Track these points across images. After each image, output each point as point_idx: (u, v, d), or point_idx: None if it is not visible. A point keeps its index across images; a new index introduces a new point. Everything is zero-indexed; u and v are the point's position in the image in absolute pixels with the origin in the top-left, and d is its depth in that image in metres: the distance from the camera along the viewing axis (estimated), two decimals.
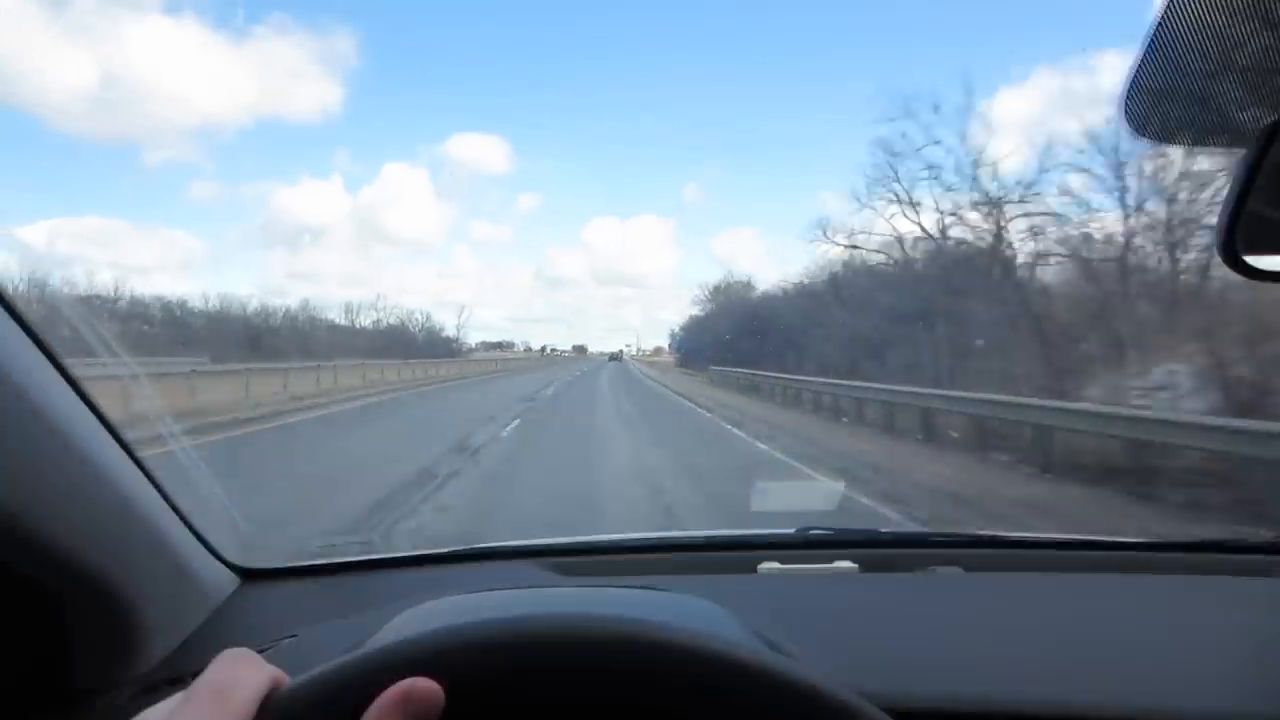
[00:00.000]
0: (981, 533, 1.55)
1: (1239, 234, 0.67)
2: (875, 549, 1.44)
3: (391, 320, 49.80)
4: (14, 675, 0.88)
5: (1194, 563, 1.42)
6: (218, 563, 1.15)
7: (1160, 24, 0.62)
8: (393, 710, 0.39)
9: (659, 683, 0.45)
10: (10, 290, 0.74)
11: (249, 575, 1.23)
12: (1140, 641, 1.02)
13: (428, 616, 0.94)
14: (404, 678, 0.40)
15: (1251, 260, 0.69)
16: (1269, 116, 0.63)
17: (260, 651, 1.00)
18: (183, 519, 1.04)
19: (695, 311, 54.85)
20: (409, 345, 45.68)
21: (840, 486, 4.98)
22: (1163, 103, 0.68)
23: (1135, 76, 0.68)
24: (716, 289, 51.58)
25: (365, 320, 47.46)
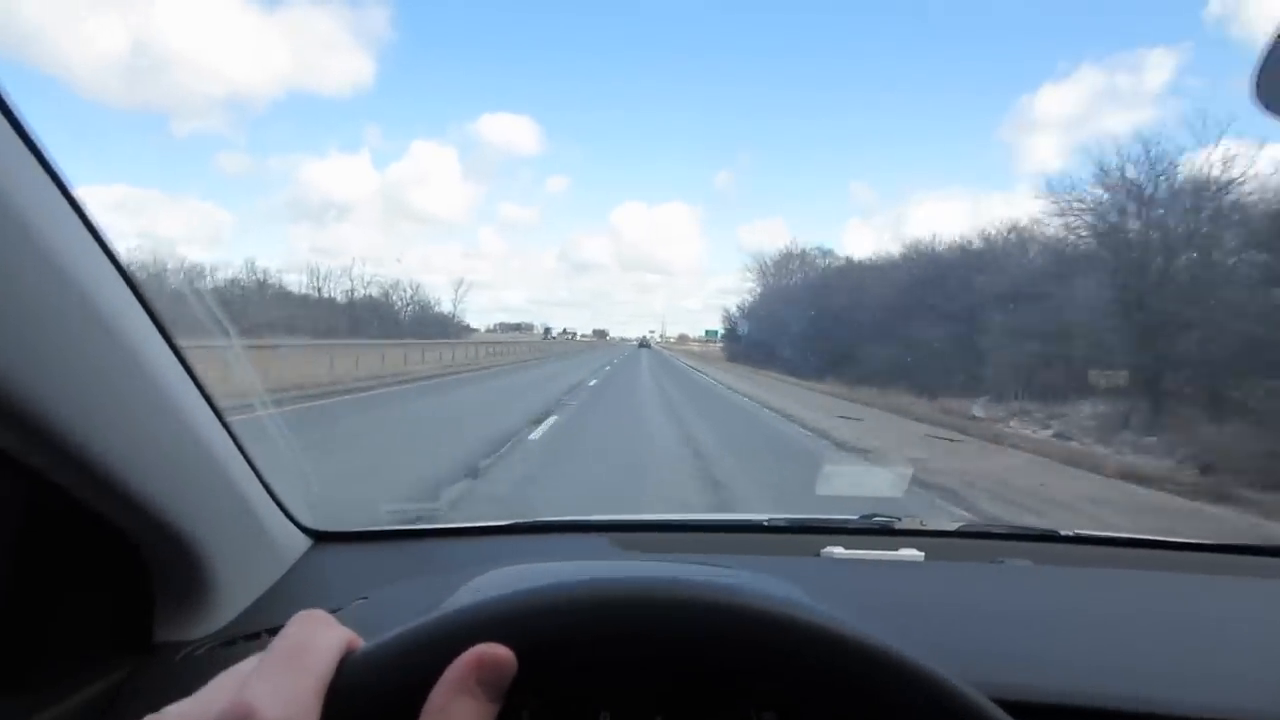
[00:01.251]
0: (1051, 529, 1.51)
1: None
2: (941, 538, 1.42)
3: (372, 292, 41.79)
4: (101, 625, 0.91)
5: (1251, 565, 1.42)
6: (291, 525, 1.18)
7: None
8: (467, 675, 0.39)
9: (759, 660, 0.45)
10: (124, 258, 0.76)
11: (320, 538, 1.26)
12: (1207, 641, 1.01)
13: (501, 581, 0.95)
14: (478, 642, 0.40)
15: None
16: None
17: (332, 612, 1.03)
18: (261, 481, 1.07)
19: (750, 290, 47.49)
20: (389, 322, 39.10)
21: (908, 472, 4.88)
22: None
23: (1269, 56, 0.64)
24: (787, 257, 42.85)
25: (335, 290, 40.57)
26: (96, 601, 0.90)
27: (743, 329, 47.35)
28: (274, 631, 0.98)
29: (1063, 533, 1.47)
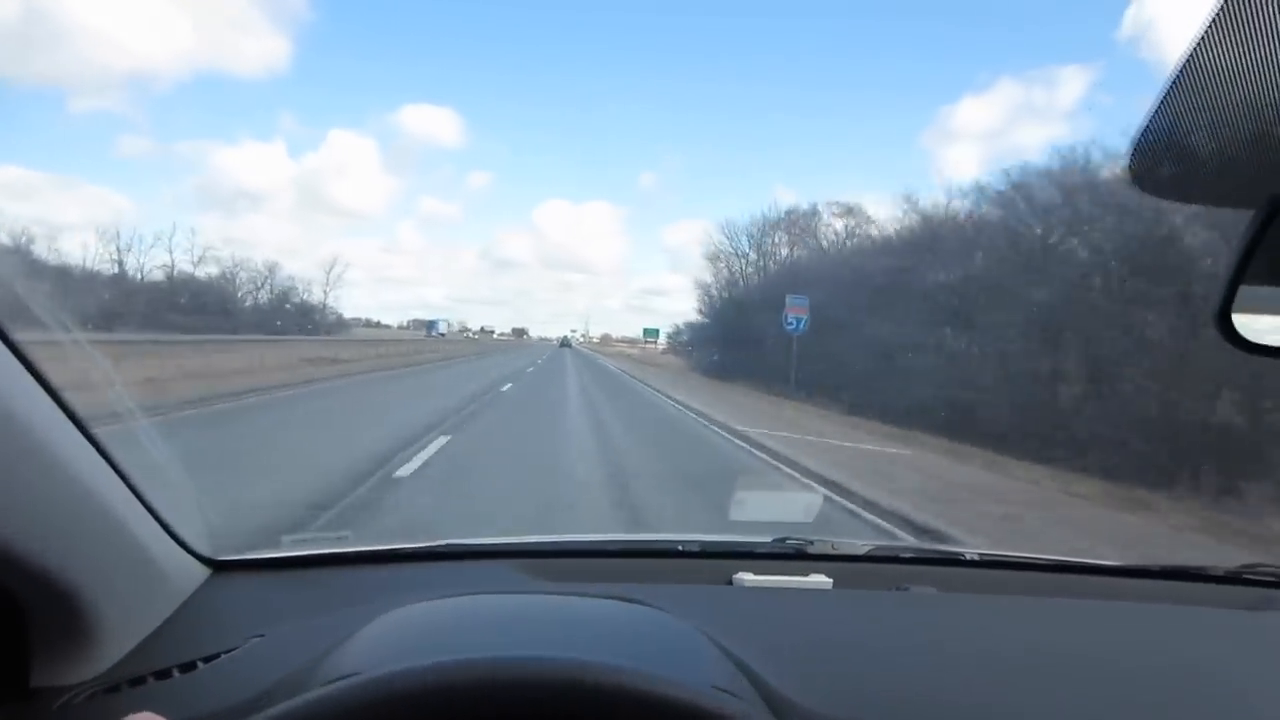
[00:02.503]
0: (957, 550, 1.56)
1: (1236, 307, 0.68)
2: (850, 563, 1.45)
3: (210, 271, 32.40)
4: None
5: (1170, 591, 1.44)
6: (184, 554, 1.14)
7: (1176, 81, 0.62)
8: None
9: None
10: None
11: (219, 567, 1.21)
12: (1106, 672, 1.04)
13: (400, 626, 0.93)
14: None
15: (1247, 335, 0.70)
16: (1274, 189, 0.64)
17: (227, 652, 1.00)
18: (145, 505, 1.02)
19: (716, 271, 39.32)
20: (216, 311, 30.01)
21: (819, 499, 5.00)
22: (1172, 161, 0.69)
23: (1144, 133, 0.68)
24: (776, 225, 35.04)
25: (148, 265, 31.83)
26: None
27: (704, 329, 39.03)
28: (162, 675, 0.95)
29: (968, 555, 1.51)
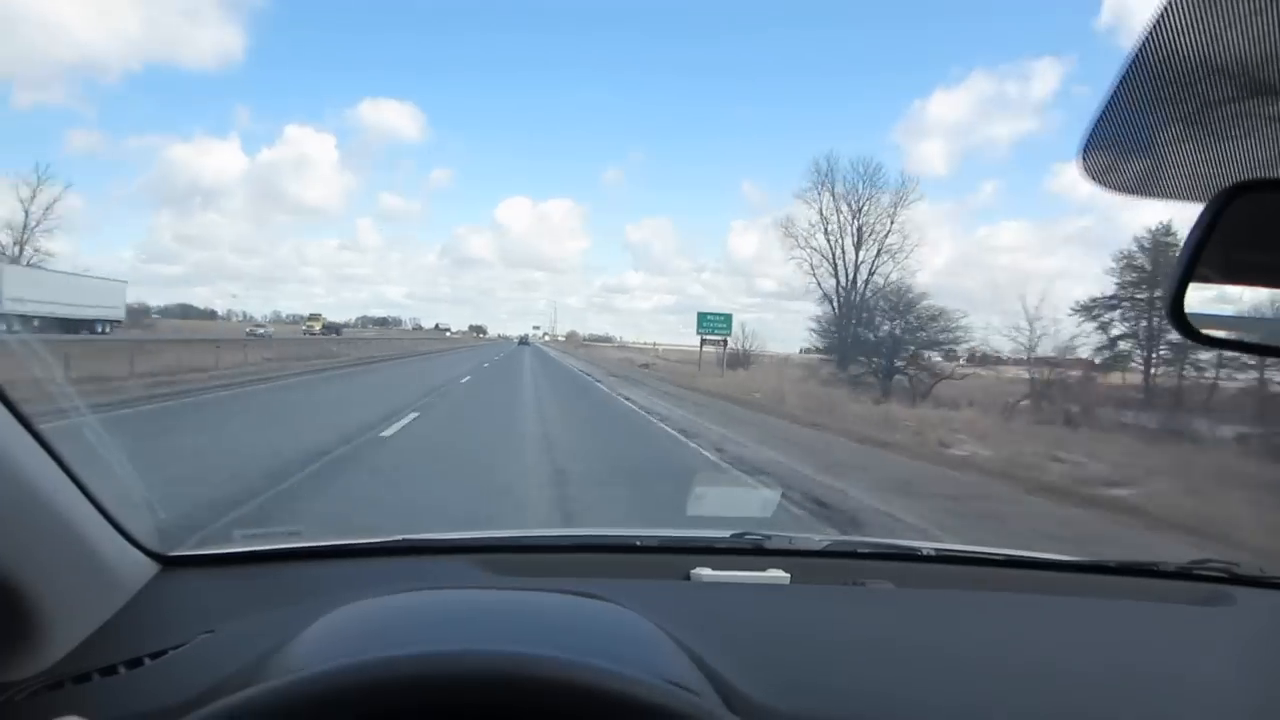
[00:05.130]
0: (913, 545, 1.59)
1: (1187, 299, 0.71)
2: (808, 558, 1.47)
3: None
4: None
5: (1122, 586, 1.47)
6: (132, 548, 1.12)
7: (1126, 77, 0.65)
8: None
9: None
10: None
11: (168, 562, 1.20)
12: (1061, 668, 1.06)
13: (347, 622, 0.93)
14: None
15: (1198, 326, 0.73)
16: (1228, 180, 0.67)
17: (175, 648, 0.99)
18: (91, 500, 1.01)
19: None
20: None
21: (776, 495, 5.04)
22: (1123, 156, 0.72)
23: (1096, 127, 0.71)
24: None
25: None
26: None
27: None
28: (108, 671, 0.93)
29: (924, 551, 1.53)
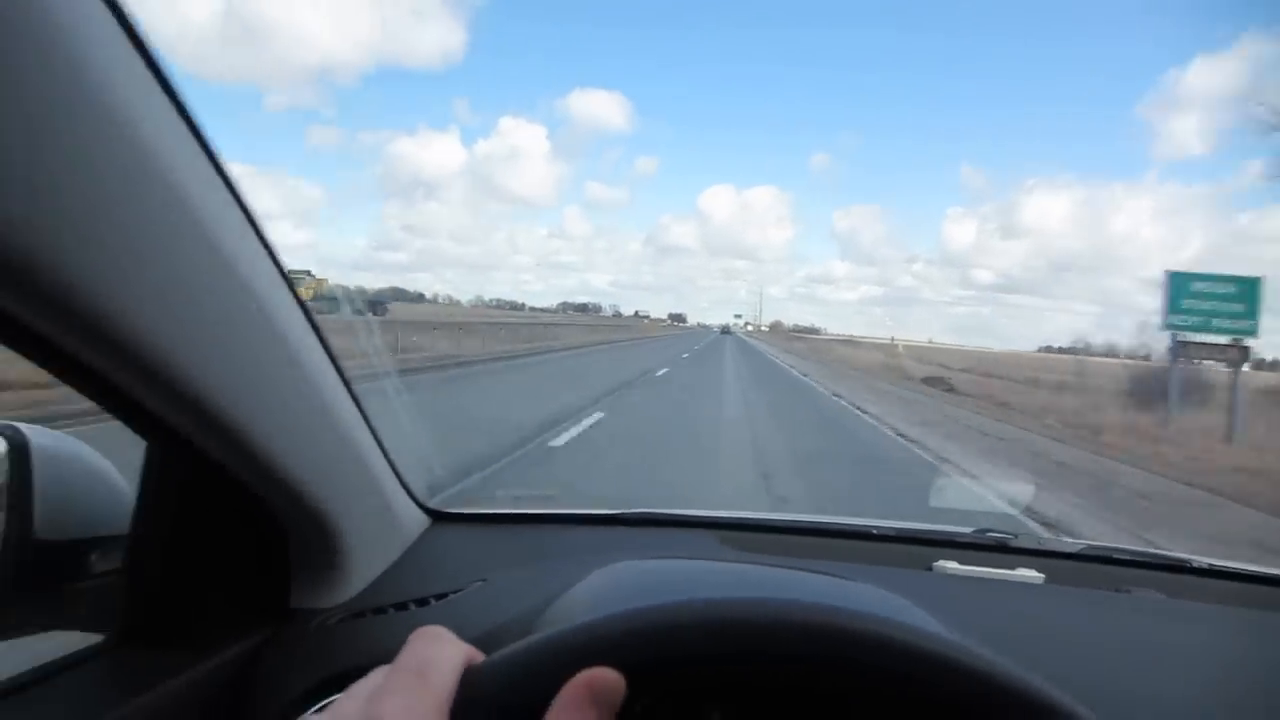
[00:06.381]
0: (1182, 557, 1.46)
1: None
2: (1061, 559, 1.39)
3: None
4: (244, 590, 0.98)
5: None
6: (412, 503, 1.24)
7: None
8: (580, 697, 0.42)
9: (887, 686, 0.47)
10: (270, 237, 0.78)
11: (437, 517, 1.31)
12: None
13: (618, 578, 0.98)
14: (591, 662, 0.43)
15: None
16: None
17: (452, 593, 1.08)
18: (386, 457, 1.12)
19: None
20: None
21: (1028, 489, 4.74)
22: None
23: None
24: None
25: None
26: (242, 568, 0.97)
27: None
28: (400, 607, 1.04)
29: (1195, 563, 1.42)
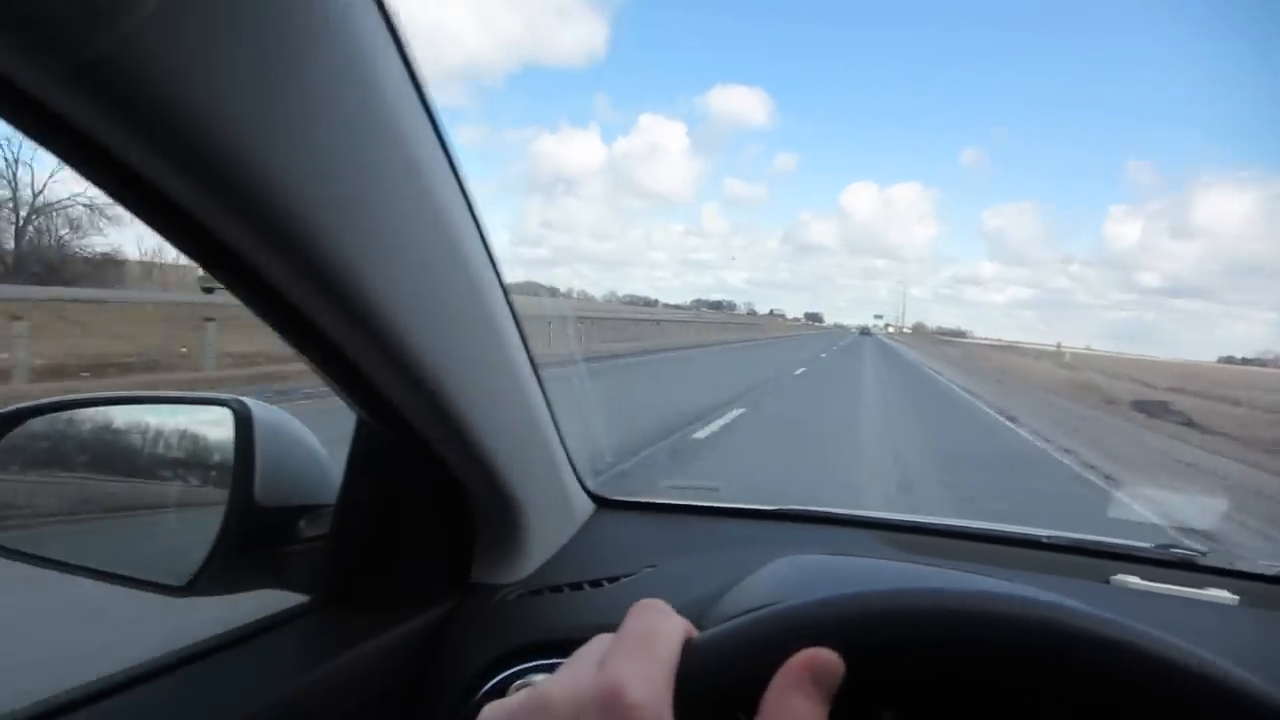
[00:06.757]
0: None
1: None
2: (1258, 582, 1.27)
3: None
4: (434, 563, 1.04)
5: None
6: (580, 488, 1.28)
7: None
8: (801, 677, 0.42)
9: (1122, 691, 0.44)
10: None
11: (601, 503, 1.35)
12: None
13: (796, 569, 0.97)
14: (814, 642, 0.43)
15: None
16: None
17: (624, 577, 1.10)
18: (563, 443, 1.16)
19: None
20: None
21: (1220, 504, 4.37)
22: None
23: None
24: None
25: None
26: (431, 542, 1.03)
27: None
28: (574, 587, 1.07)
29: None
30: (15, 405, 0.94)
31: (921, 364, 32.18)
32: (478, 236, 0.82)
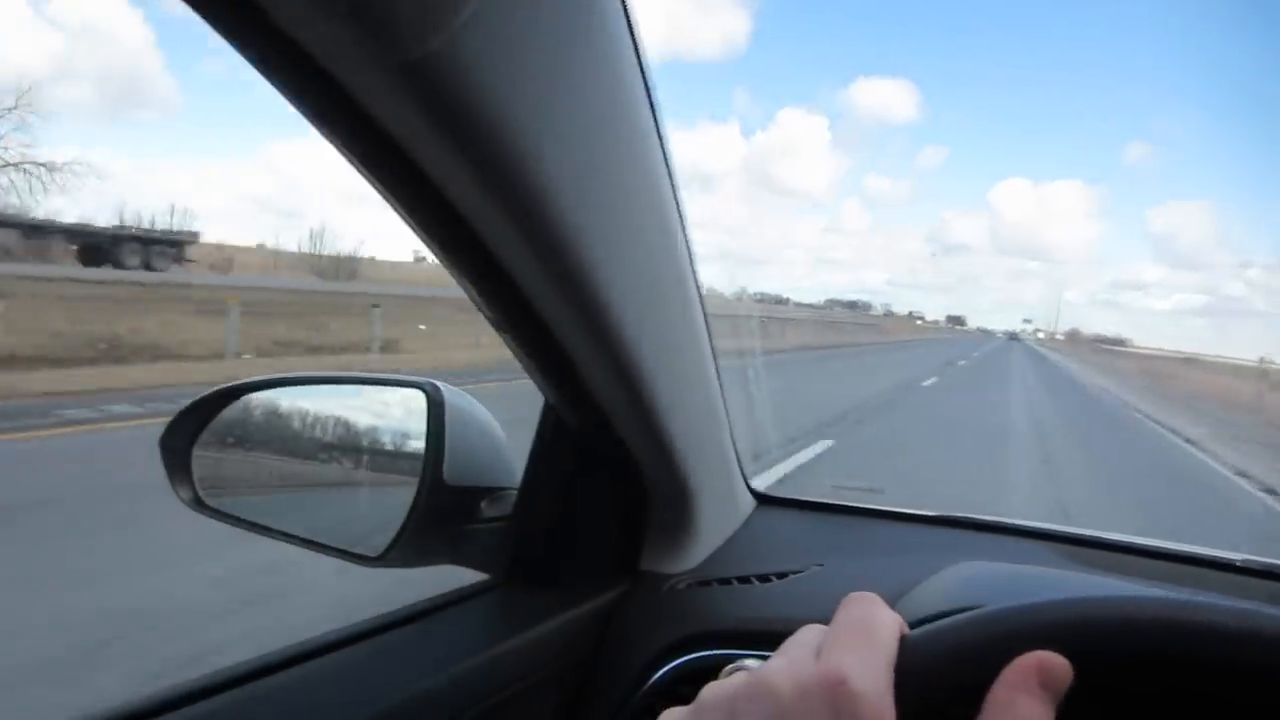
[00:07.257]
0: None
1: None
2: None
3: None
4: (608, 548, 1.07)
5: None
6: (743, 484, 1.28)
7: None
8: (1028, 679, 0.40)
9: None
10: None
11: (762, 499, 1.34)
12: None
13: (975, 576, 0.94)
14: (1040, 645, 0.41)
15: None
16: None
17: (791, 574, 1.10)
18: (731, 436, 1.17)
19: None
20: None
21: None
22: None
23: None
24: None
25: None
26: (606, 528, 1.06)
27: None
28: (742, 580, 1.07)
29: None
30: (234, 381, 1.03)
31: (1090, 383, 25.82)
32: (682, 231, 0.84)
